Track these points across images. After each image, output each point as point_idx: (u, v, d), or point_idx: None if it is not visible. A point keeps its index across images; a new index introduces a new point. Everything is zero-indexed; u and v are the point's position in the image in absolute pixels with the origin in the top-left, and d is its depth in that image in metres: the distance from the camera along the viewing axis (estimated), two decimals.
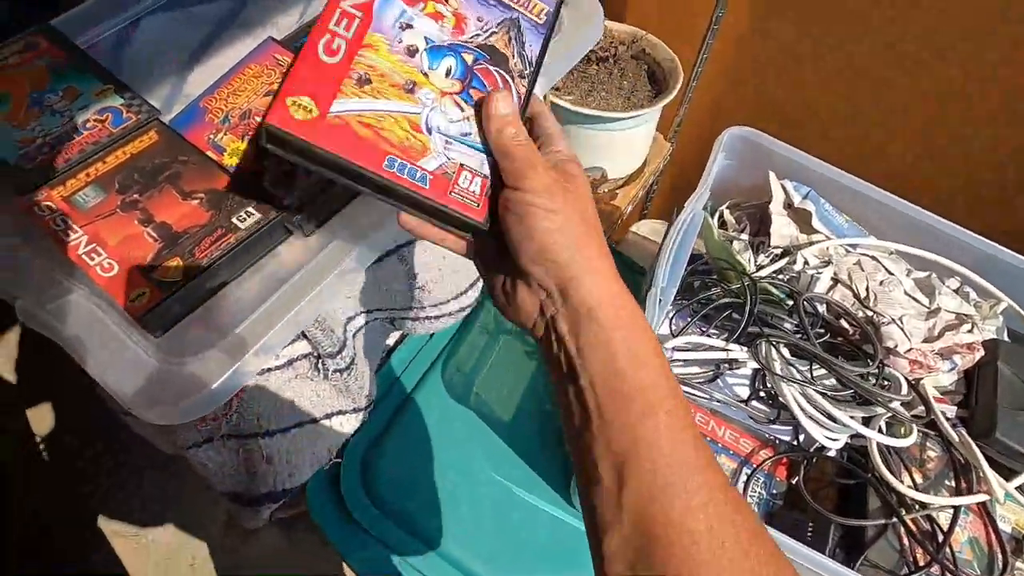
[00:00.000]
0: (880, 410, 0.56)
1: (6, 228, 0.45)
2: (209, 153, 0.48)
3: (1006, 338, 0.66)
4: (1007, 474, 0.56)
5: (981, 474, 0.54)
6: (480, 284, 0.71)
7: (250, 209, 0.45)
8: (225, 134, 0.49)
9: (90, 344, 0.39)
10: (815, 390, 0.55)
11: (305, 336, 0.53)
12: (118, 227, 0.43)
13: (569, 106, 0.86)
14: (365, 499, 0.63)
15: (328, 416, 0.60)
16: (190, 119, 0.50)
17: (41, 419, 1.16)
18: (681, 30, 0.98)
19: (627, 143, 0.93)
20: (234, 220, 0.44)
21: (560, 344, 0.31)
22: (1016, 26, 0.80)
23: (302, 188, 0.46)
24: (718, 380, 0.60)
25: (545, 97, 0.83)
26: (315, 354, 0.56)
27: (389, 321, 0.65)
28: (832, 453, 0.58)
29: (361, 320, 0.61)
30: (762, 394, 0.60)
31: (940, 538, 0.52)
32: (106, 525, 1.08)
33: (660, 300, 0.54)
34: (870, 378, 0.56)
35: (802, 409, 0.54)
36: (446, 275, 0.64)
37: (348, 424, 0.62)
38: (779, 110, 1.04)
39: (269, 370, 0.53)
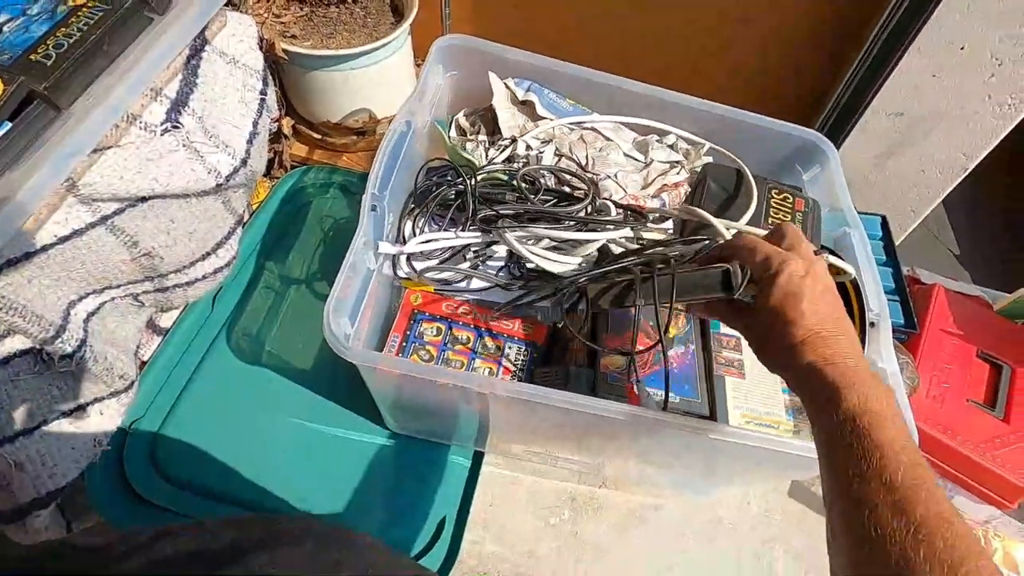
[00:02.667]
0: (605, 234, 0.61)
1: None
2: None
3: None
4: None
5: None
6: (234, 242, 0.70)
7: None
8: None
9: None
10: (542, 229, 0.59)
11: (11, 333, 0.51)
12: None
13: (307, 51, 0.84)
14: (157, 478, 0.62)
15: (81, 408, 0.58)
16: None
17: None
18: None
19: (385, 78, 0.93)
20: None
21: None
22: None
23: None
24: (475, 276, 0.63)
25: (274, 46, 0.81)
26: (35, 348, 0.53)
27: (131, 297, 0.62)
28: None
29: (91, 302, 0.58)
30: (513, 270, 0.64)
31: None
32: None
33: (373, 207, 0.56)
34: (589, 209, 0.62)
35: (536, 255, 0.58)
36: (179, 239, 0.62)
37: (108, 412, 0.60)
38: (523, 33, 1.08)
39: None
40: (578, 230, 0.61)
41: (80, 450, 0.57)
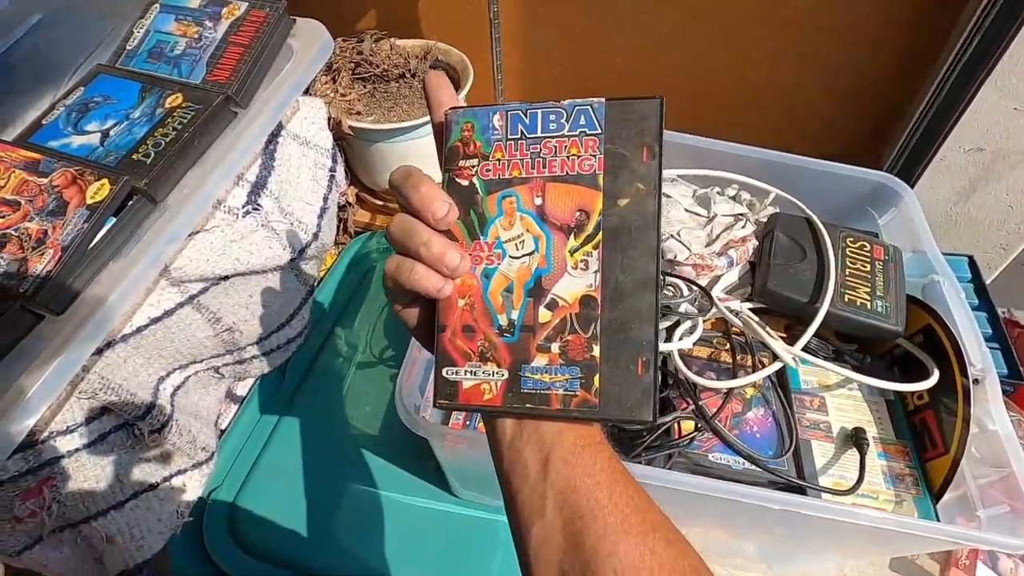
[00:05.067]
0: (675, 316, 0.60)
1: None
2: None
3: None
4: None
5: (767, 340, 0.58)
6: (306, 312, 0.73)
7: None
8: None
9: None
10: None
11: (107, 410, 0.54)
12: None
13: (370, 126, 0.89)
14: (236, 550, 0.63)
15: (166, 479, 0.60)
16: None
17: None
18: (471, 31, 1.04)
19: None
20: None
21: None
22: None
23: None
24: None
25: (341, 123, 0.87)
26: (129, 423, 0.56)
27: (213, 371, 0.65)
28: None
29: (177, 377, 0.61)
30: None
31: (722, 410, 0.57)
32: None
33: None
34: None
35: None
36: (256, 313, 0.65)
37: (191, 484, 0.62)
38: (579, 81, 1.10)
39: (78, 450, 0.53)
40: None
41: (165, 521, 0.59)
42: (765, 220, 0.71)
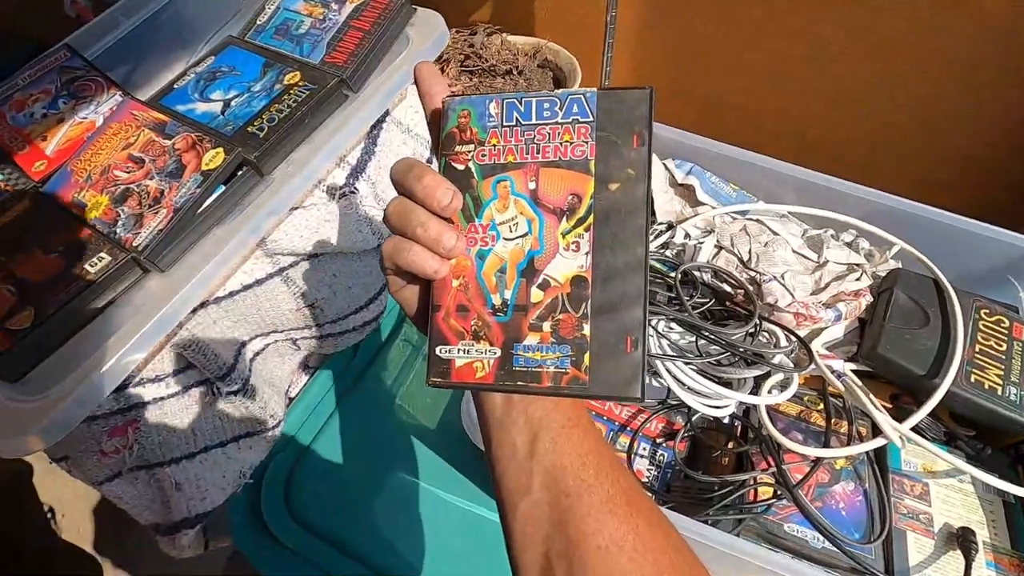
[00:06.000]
0: (767, 368, 0.56)
1: None
2: (73, 210, 0.52)
3: None
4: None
5: (871, 411, 0.52)
6: (384, 298, 0.74)
7: (102, 255, 0.49)
8: (87, 190, 0.53)
9: None
10: (690, 365, 0.55)
11: (192, 365, 0.57)
12: None
13: None
14: (289, 520, 0.65)
15: (235, 439, 0.63)
16: (59, 182, 0.55)
17: None
18: (584, 33, 1.01)
19: None
20: (87, 267, 0.48)
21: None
22: None
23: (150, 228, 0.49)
24: None
25: None
26: (209, 380, 0.59)
27: (291, 342, 0.67)
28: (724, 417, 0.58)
29: (258, 343, 0.64)
30: (651, 370, 0.60)
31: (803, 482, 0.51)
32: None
33: None
34: (749, 337, 0.56)
35: (679, 382, 0.54)
36: (338, 292, 0.66)
37: (256, 447, 0.64)
38: (687, 99, 1.05)
39: (163, 399, 0.56)
40: (735, 353, 0.56)
41: (229, 479, 0.62)
42: (883, 275, 0.64)
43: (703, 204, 0.69)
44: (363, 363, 0.79)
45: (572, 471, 0.29)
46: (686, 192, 0.71)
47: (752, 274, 0.61)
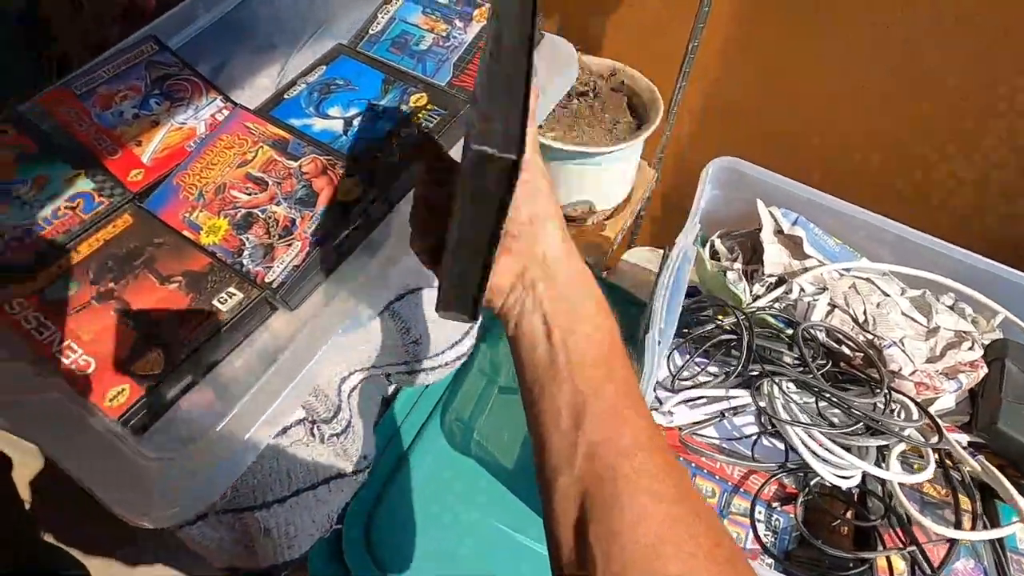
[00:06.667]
0: (893, 439, 0.55)
1: None
2: (185, 232, 0.47)
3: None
4: None
5: (1008, 496, 0.52)
6: (475, 331, 0.70)
7: (231, 290, 0.44)
8: (200, 211, 0.48)
9: (69, 448, 0.38)
10: (821, 431, 0.53)
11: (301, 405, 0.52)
12: (93, 320, 0.42)
13: (553, 143, 0.85)
14: (371, 566, 0.61)
15: (326, 481, 0.58)
16: (164, 197, 0.49)
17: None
18: (658, 60, 0.98)
19: (612, 175, 0.93)
20: (215, 303, 0.43)
21: (538, 305, 0.32)
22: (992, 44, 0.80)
23: (282, 262, 0.45)
24: (725, 420, 0.58)
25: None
26: (310, 419, 0.54)
27: (384, 376, 0.63)
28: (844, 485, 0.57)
29: (356, 379, 0.59)
30: (771, 431, 0.59)
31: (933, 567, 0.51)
32: None
33: (659, 343, 0.54)
34: (879, 407, 0.55)
35: (810, 450, 0.53)
36: (439, 325, 0.62)
37: (347, 488, 0.60)
38: (757, 133, 1.04)
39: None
40: (859, 422, 0.55)
41: (318, 524, 0.57)
42: (987, 343, 0.64)
43: (809, 257, 0.68)
44: (438, 394, 0.75)
45: (616, 449, 0.29)
46: (791, 243, 0.69)
47: (869, 337, 0.61)
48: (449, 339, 0.65)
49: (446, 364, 0.67)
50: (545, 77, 0.60)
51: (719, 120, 1.09)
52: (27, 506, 1.14)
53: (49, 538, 1.08)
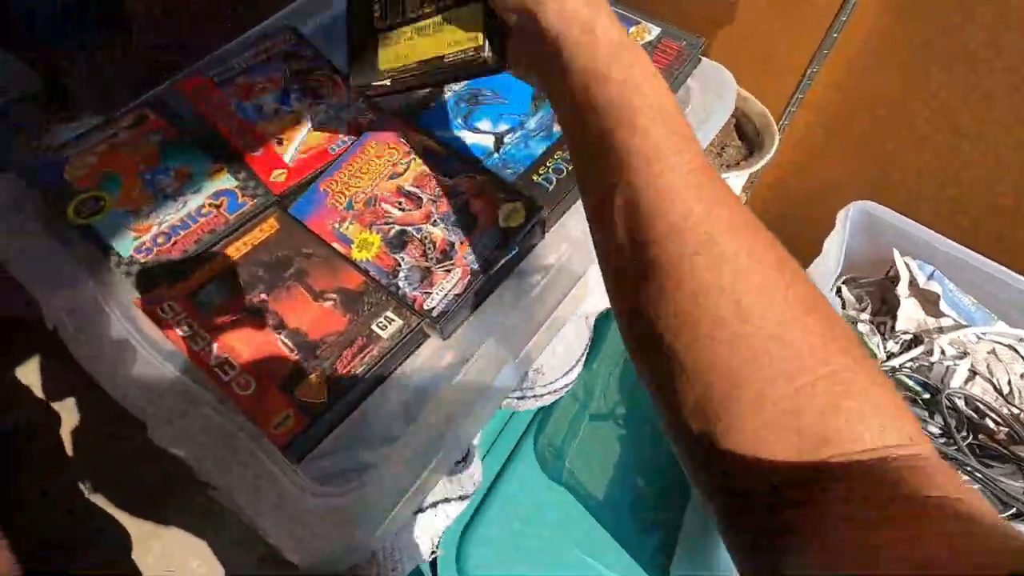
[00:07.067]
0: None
1: (121, 330, 0.41)
2: (335, 245, 0.45)
3: None
4: None
5: None
6: (584, 358, 0.67)
7: (389, 314, 0.42)
8: (351, 223, 0.46)
9: (225, 470, 0.36)
10: None
11: None
12: (249, 334, 0.40)
13: None
14: None
15: (433, 505, 0.56)
16: (310, 204, 0.47)
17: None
18: (770, 84, 0.94)
19: None
20: (374, 328, 0.41)
21: (595, 49, 0.30)
22: None
23: (440, 287, 0.42)
24: None
25: None
26: None
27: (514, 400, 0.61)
28: None
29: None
30: None
31: None
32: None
33: None
34: None
35: None
36: (559, 355, 0.60)
37: (452, 512, 0.58)
38: (869, 166, 0.99)
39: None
40: (1010, 508, 0.51)
41: (422, 549, 0.56)
42: None
43: (945, 316, 0.64)
44: (527, 418, 0.73)
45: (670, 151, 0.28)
46: (924, 297, 0.66)
47: (1015, 410, 0.57)
48: (564, 367, 0.62)
49: (555, 391, 0.64)
50: (704, 103, 0.56)
51: (830, 152, 1.04)
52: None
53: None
